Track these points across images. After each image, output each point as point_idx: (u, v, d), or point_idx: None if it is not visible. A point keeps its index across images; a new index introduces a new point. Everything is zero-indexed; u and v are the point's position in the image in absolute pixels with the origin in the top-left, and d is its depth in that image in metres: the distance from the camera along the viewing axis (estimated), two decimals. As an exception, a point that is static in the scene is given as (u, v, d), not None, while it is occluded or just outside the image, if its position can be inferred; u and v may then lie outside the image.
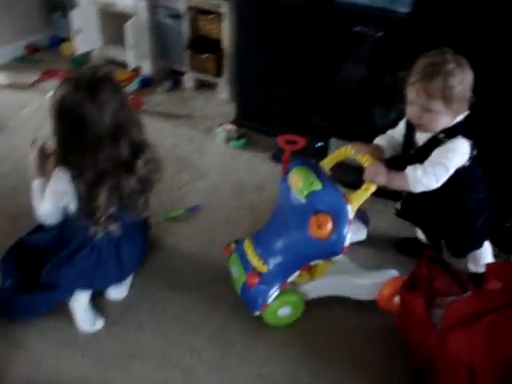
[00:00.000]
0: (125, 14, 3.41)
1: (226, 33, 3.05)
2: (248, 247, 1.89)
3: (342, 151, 1.90)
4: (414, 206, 2.03)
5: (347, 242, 1.71)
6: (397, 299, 1.86)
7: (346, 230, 1.69)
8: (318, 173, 1.80)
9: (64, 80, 1.66)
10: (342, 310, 1.95)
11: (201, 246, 2.17)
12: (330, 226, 1.66)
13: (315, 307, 1.93)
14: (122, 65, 3.59)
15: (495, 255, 2.10)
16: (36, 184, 1.78)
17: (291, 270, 1.80)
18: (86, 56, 3.68)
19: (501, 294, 1.51)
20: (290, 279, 1.81)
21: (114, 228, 1.71)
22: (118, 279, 1.92)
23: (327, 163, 1.93)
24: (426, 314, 1.64)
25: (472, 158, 1.78)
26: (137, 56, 3.34)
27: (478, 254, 2.01)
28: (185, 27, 3.19)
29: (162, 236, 2.24)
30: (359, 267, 1.98)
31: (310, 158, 1.92)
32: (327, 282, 1.92)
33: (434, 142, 1.78)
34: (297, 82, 2.51)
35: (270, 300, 1.80)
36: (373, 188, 1.73)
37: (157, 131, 2.83)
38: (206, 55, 3.18)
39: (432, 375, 1.59)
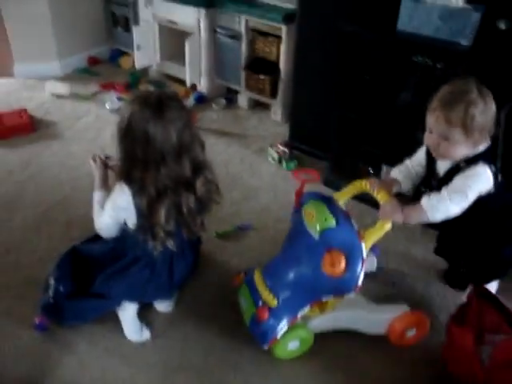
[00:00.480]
0: (184, 32, 3.51)
1: (283, 55, 3.10)
2: (258, 279, 1.86)
3: (358, 185, 1.87)
4: (449, 241, 2.01)
5: (360, 281, 1.68)
6: (409, 334, 1.88)
7: (359, 268, 1.66)
8: (333, 208, 1.77)
9: (132, 98, 1.72)
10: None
11: (250, 264, 2.19)
12: (343, 264, 1.63)
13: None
14: (179, 81, 3.68)
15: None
16: (97, 196, 1.85)
17: (301, 305, 1.78)
18: (144, 70, 3.79)
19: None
20: (300, 314, 1.79)
21: (171, 244, 1.74)
22: (168, 293, 1.96)
23: (342, 197, 1.89)
24: (474, 350, 1.62)
25: (499, 185, 1.73)
26: (194, 73, 3.42)
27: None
28: (243, 48, 3.26)
29: (213, 251, 2.28)
30: (370, 301, 1.95)
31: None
32: (337, 316, 1.90)
33: (455, 170, 1.73)
34: (351, 108, 2.52)
35: (279, 335, 1.78)
36: (388, 226, 1.70)
37: (210, 147, 2.80)
38: (262, 76, 3.23)
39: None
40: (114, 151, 2.75)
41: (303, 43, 2.73)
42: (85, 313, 1.92)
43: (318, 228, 1.69)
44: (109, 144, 2.97)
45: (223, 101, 3.50)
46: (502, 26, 2.21)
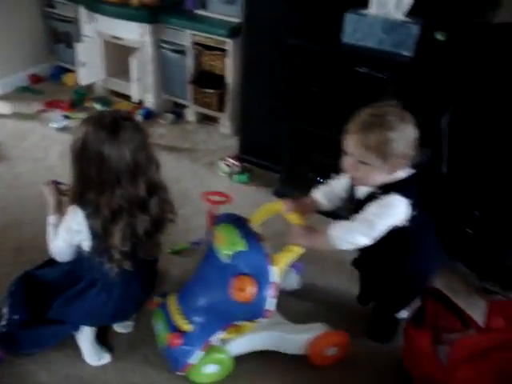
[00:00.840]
0: (129, 48, 3.49)
1: (229, 69, 3.12)
2: (172, 304, 1.82)
3: (272, 207, 1.85)
4: (366, 257, 1.95)
5: (271, 305, 1.65)
6: (329, 353, 1.88)
7: (268, 293, 1.63)
8: (245, 231, 1.74)
9: (86, 119, 1.69)
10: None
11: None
12: (251, 289, 1.60)
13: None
14: (125, 97, 3.64)
15: (495, 292, 2.15)
16: (52, 220, 1.81)
17: (215, 330, 1.75)
18: (89, 87, 3.73)
19: (506, 331, 1.54)
20: (214, 338, 1.76)
21: (127, 265, 1.72)
22: (127, 314, 1.93)
23: (256, 219, 1.85)
24: (433, 351, 1.67)
25: (413, 219, 1.66)
26: (140, 89, 3.40)
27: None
28: (189, 62, 3.26)
29: (168, 268, 2.25)
30: (288, 321, 1.94)
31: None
32: (255, 338, 1.87)
33: (372, 197, 1.66)
34: (300, 120, 2.57)
35: (192, 360, 1.75)
36: (298, 249, 1.68)
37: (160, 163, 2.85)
38: (209, 90, 3.24)
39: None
40: (62, 171, 2.71)
41: (250, 56, 2.76)
42: (42, 340, 1.87)
43: (226, 252, 1.67)
44: (57, 164, 2.94)
45: (171, 116, 3.48)
46: (440, 37, 2.31)
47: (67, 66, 3.96)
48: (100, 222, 1.63)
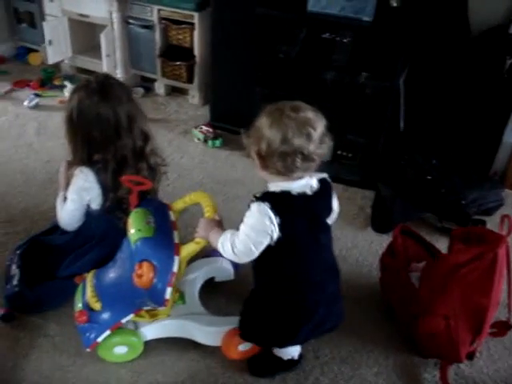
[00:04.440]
0: (94, 25, 3.57)
1: (196, 42, 3.26)
2: (89, 281, 1.83)
3: (195, 196, 1.82)
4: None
5: (168, 294, 1.67)
6: (242, 348, 1.83)
7: (167, 282, 1.64)
8: (159, 217, 1.75)
9: (74, 88, 1.87)
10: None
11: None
12: (150, 275, 1.61)
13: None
14: (92, 73, 3.72)
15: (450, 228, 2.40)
16: (61, 196, 1.97)
17: (124, 312, 1.75)
18: (55, 66, 3.80)
19: (466, 252, 1.79)
20: (124, 320, 1.76)
21: None
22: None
23: (177, 206, 1.85)
24: (407, 276, 1.93)
25: (283, 240, 1.46)
26: (109, 65, 3.49)
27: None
28: (156, 37, 3.37)
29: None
30: (207, 312, 1.92)
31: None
32: (170, 325, 1.86)
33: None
34: (270, 85, 2.76)
35: (99, 339, 1.75)
36: (206, 242, 1.65)
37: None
38: (177, 63, 3.37)
39: (414, 327, 1.86)
40: (40, 147, 2.81)
41: (219, 28, 2.91)
42: (51, 298, 1.99)
43: (133, 237, 1.68)
44: (34, 140, 3.04)
45: (141, 90, 3.60)
46: (394, 3, 2.54)
47: (31, 45, 3.99)
48: (109, 174, 1.80)
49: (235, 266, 2.13)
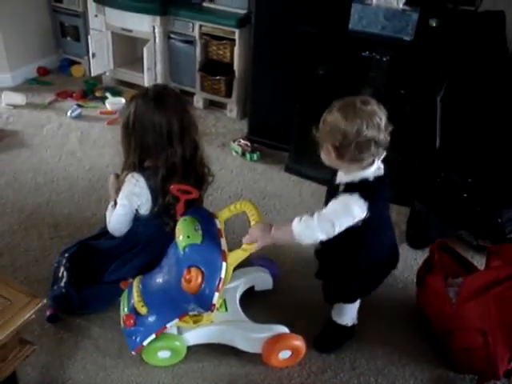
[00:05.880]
0: (137, 39, 3.69)
1: (236, 57, 3.34)
2: (136, 286, 1.88)
3: (240, 205, 1.86)
4: (325, 249, 1.92)
5: (215, 300, 1.72)
6: (282, 356, 1.90)
7: (215, 288, 1.69)
8: (206, 225, 1.79)
9: (131, 97, 1.96)
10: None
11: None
12: (198, 281, 1.66)
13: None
14: (132, 85, 3.84)
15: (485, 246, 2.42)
16: (111, 204, 2.06)
17: (170, 317, 1.81)
18: (98, 78, 3.92)
19: (504, 269, 1.83)
20: (169, 325, 1.82)
21: None
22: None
23: (223, 215, 1.90)
24: (444, 290, 1.95)
25: (369, 220, 1.65)
26: (150, 78, 3.59)
27: (344, 307, 2.00)
28: (197, 52, 3.46)
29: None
30: (248, 319, 1.97)
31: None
32: (212, 331, 1.91)
33: (337, 189, 1.70)
34: (308, 101, 2.81)
35: (145, 343, 1.81)
36: (253, 247, 1.71)
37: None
38: (217, 77, 3.46)
39: (451, 342, 1.89)
40: (83, 155, 2.99)
41: (259, 44, 2.99)
42: (97, 300, 2.06)
43: (182, 244, 1.73)
44: (77, 149, 3.14)
45: (180, 103, 3.68)
46: (433, 23, 2.59)
47: (74, 58, 4.13)
48: (159, 180, 1.88)
49: (273, 275, 2.19)
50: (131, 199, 1.95)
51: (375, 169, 1.66)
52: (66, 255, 2.11)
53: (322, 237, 1.64)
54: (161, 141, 1.85)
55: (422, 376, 1.94)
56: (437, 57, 2.51)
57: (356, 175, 1.65)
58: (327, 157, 1.67)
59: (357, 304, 2.00)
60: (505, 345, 1.78)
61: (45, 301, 1.56)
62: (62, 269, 2.08)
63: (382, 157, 1.68)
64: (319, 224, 1.62)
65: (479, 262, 2.29)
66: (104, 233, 2.14)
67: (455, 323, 1.86)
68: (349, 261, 1.83)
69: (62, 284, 2.04)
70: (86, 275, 2.08)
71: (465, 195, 2.55)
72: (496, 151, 2.75)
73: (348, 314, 2.01)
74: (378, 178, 1.67)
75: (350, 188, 1.64)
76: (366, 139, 1.56)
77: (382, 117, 1.59)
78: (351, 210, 1.61)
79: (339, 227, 1.63)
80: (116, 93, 3.78)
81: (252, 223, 1.75)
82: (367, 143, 1.57)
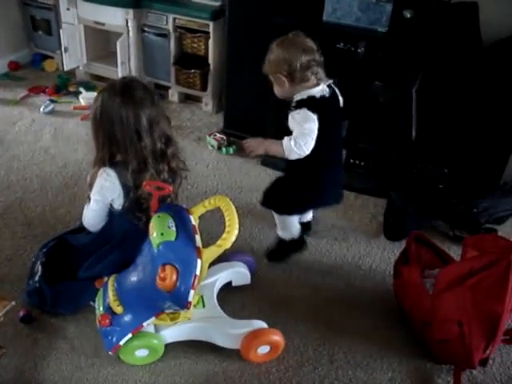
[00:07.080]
0: (109, 32, 3.63)
1: (211, 50, 3.30)
2: (111, 285, 1.85)
3: (214, 201, 1.85)
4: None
5: (191, 297, 1.70)
6: (261, 351, 1.89)
7: (190, 285, 1.67)
8: (181, 221, 1.77)
9: (99, 91, 1.93)
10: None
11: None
12: (173, 279, 1.64)
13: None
14: (106, 80, 3.77)
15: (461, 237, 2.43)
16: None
17: (145, 316, 1.79)
18: (70, 72, 3.85)
19: (479, 260, 1.82)
20: (146, 324, 1.80)
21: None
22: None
23: (197, 211, 1.88)
24: (421, 282, 1.96)
25: (319, 129, 1.96)
26: (124, 72, 3.54)
27: (286, 221, 2.30)
28: (171, 45, 3.42)
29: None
30: (226, 315, 1.96)
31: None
32: (190, 328, 1.90)
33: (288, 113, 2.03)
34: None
35: (121, 342, 1.79)
36: (227, 245, 1.69)
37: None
38: (192, 71, 3.42)
39: (428, 333, 1.90)
40: (57, 151, 2.84)
41: (234, 37, 2.96)
42: (69, 297, 2.02)
43: (155, 241, 1.71)
44: (51, 145, 3.09)
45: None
46: (407, 14, 2.58)
47: (46, 52, 4.05)
48: (130, 174, 1.85)
49: (251, 270, 2.18)
50: (103, 194, 1.92)
51: (320, 90, 2.00)
52: (44, 250, 2.09)
53: (306, 151, 1.94)
54: (129, 134, 1.82)
55: (399, 368, 1.94)
56: (411, 48, 2.51)
57: (304, 93, 1.99)
58: (281, 88, 2.05)
59: (295, 221, 2.31)
60: (480, 334, 1.79)
61: (13, 303, 1.53)
62: (37, 264, 2.05)
63: (328, 82, 2.04)
64: (300, 141, 1.93)
65: (456, 252, 2.30)
66: (83, 227, 2.11)
67: (432, 315, 1.86)
68: (298, 172, 2.15)
69: (36, 278, 2.02)
70: (62, 271, 2.05)
71: (441, 186, 2.57)
72: (471, 142, 2.76)
73: (287, 230, 2.32)
74: (323, 97, 2.00)
75: (300, 104, 1.98)
76: (307, 59, 1.96)
77: (311, 43, 2.01)
78: (309, 117, 1.93)
79: (313, 134, 1.93)
80: (90, 87, 3.71)
81: (226, 219, 1.73)
82: (308, 62, 1.96)
